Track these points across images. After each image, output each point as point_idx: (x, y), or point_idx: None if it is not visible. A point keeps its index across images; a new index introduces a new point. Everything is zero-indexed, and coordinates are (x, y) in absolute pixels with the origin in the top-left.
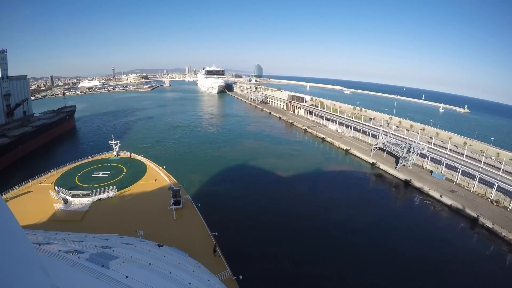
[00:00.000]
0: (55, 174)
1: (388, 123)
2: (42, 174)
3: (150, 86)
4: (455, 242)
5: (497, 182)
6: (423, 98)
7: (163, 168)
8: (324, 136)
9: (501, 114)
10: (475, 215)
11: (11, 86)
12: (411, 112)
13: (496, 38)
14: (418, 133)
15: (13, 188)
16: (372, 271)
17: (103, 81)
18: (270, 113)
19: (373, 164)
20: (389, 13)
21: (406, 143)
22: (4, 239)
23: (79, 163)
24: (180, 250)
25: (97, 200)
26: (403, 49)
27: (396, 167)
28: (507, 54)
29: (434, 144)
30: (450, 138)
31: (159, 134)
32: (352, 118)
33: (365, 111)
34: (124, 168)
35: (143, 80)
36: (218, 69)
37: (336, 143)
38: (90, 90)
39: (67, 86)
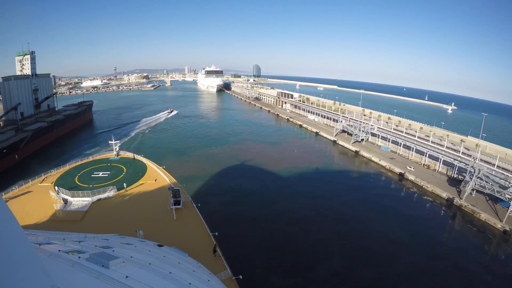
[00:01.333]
0: (55, 174)
1: (365, 115)
2: (42, 174)
3: (153, 85)
4: (387, 191)
5: (427, 151)
6: (426, 98)
7: (163, 168)
8: (301, 123)
9: (484, 110)
10: (402, 172)
11: (38, 83)
12: (397, 108)
13: (489, 36)
14: (387, 122)
15: (13, 188)
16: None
17: (105, 80)
18: (261, 107)
19: (334, 142)
20: (388, 13)
21: (358, 124)
22: (4, 239)
23: (79, 163)
24: (180, 250)
25: (97, 200)
26: (402, 49)
27: (351, 143)
28: (495, 51)
29: (394, 129)
30: (410, 124)
31: (169, 122)
32: (331, 111)
33: (344, 105)
34: (124, 168)
35: (144, 80)
36: (217, 69)
37: (310, 128)
38: (95, 89)
39: (70, 86)
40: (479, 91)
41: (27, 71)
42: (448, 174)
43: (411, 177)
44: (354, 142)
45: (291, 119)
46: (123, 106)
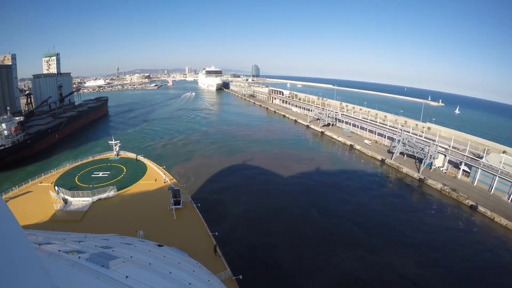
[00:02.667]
0: (55, 174)
1: (345, 108)
2: (42, 174)
3: (156, 85)
4: (339, 156)
5: (376, 130)
6: (429, 98)
7: (163, 168)
8: (285, 114)
9: (469, 107)
10: (352, 144)
11: (62, 80)
12: (387, 105)
13: (489, 36)
14: (359, 112)
15: (13, 188)
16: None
17: (108, 80)
18: (254, 103)
19: (307, 126)
20: (386, 14)
21: (326, 112)
22: (4, 239)
23: (79, 163)
24: (180, 250)
25: (97, 200)
26: (400, 48)
27: (319, 126)
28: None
29: (362, 117)
30: (377, 113)
31: (175, 112)
32: (315, 104)
33: (326, 99)
34: (124, 168)
35: (146, 79)
36: (217, 69)
37: (291, 117)
38: (101, 88)
39: (74, 85)
40: (477, 91)
41: (53, 70)
42: (389, 146)
43: (357, 147)
44: (323, 125)
45: (277, 111)
46: (132, 102)
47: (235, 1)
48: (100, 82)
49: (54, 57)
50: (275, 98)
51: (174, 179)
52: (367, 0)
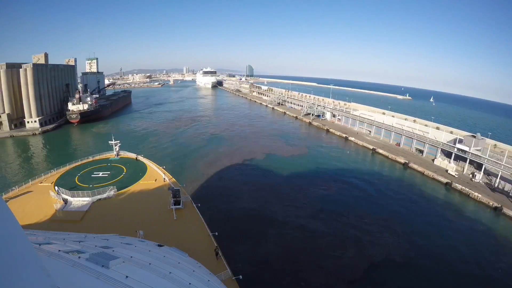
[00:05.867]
0: (55, 174)
1: (301, 96)
2: (42, 174)
3: (159, 83)
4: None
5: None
6: (407, 95)
7: (163, 168)
8: (256, 100)
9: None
10: (284, 111)
11: (99, 77)
12: (354, 98)
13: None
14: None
15: (13, 188)
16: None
17: (111, 80)
18: (239, 95)
19: (272, 108)
20: (386, 13)
21: (278, 96)
22: (4, 239)
23: (79, 163)
24: (180, 250)
25: (97, 200)
26: (399, 48)
27: (272, 104)
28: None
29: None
30: (345, 104)
31: (180, 101)
32: (281, 96)
33: (288, 91)
34: (124, 168)
35: (148, 79)
36: (212, 70)
37: (260, 102)
38: (109, 86)
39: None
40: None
41: (93, 69)
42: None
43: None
44: (276, 104)
45: (253, 99)
46: (145, 95)
47: (232, 4)
48: (106, 81)
49: (95, 60)
50: (253, 91)
51: (174, 179)
52: (360, 1)
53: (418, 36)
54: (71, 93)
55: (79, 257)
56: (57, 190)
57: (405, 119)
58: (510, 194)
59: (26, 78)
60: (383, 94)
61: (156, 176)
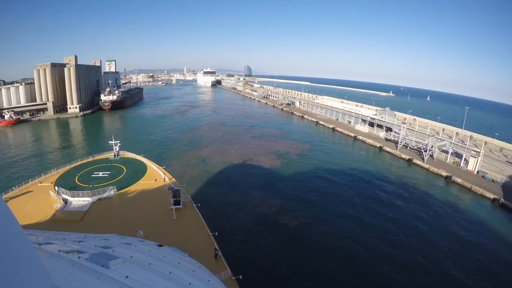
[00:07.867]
0: (55, 174)
1: (316, 98)
2: (42, 174)
3: (163, 82)
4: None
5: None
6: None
7: (163, 168)
8: (247, 96)
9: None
10: (316, 120)
11: (117, 76)
12: (339, 95)
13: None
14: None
15: (13, 188)
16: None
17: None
18: (234, 92)
19: (259, 100)
20: (385, 13)
21: (263, 91)
22: (4, 239)
23: (79, 163)
24: (180, 250)
25: (97, 200)
26: (399, 48)
27: (260, 98)
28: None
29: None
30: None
31: (184, 96)
32: (270, 91)
33: (276, 87)
34: (124, 168)
35: (150, 79)
36: (212, 70)
37: (252, 97)
38: (126, 83)
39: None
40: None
41: (112, 69)
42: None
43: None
44: (262, 97)
45: (245, 95)
46: (154, 92)
47: (232, 5)
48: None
49: (113, 62)
50: (246, 89)
51: (174, 179)
52: (358, 1)
53: (418, 36)
54: (100, 87)
55: (79, 257)
56: (57, 190)
57: (347, 104)
58: (401, 144)
59: (70, 75)
60: (369, 91)
61: (156, 176)
